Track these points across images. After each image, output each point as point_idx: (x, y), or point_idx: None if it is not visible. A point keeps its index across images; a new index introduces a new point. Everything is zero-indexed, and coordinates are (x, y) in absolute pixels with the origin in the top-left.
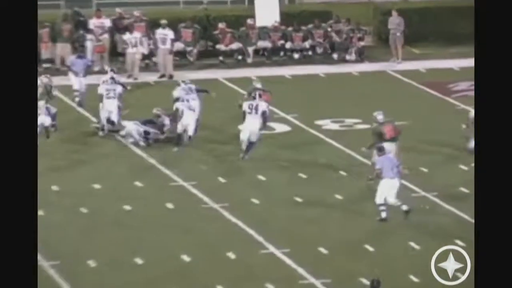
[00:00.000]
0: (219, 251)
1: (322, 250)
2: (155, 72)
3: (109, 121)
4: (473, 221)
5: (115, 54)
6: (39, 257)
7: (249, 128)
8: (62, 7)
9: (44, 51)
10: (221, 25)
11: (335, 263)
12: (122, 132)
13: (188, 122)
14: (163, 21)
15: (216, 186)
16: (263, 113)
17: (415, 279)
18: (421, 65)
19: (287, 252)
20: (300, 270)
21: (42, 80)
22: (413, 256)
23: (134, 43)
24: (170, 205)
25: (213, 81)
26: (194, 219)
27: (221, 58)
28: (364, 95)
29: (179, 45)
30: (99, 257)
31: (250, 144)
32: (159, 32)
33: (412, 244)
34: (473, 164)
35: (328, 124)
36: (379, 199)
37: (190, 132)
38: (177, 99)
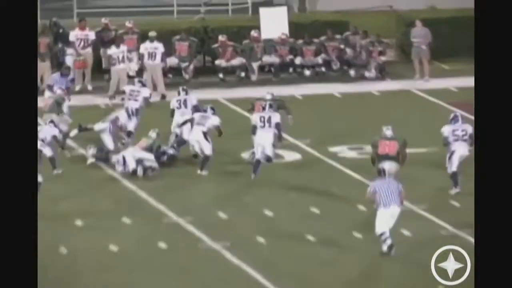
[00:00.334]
0: None
1: None
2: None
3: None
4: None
5: (100, 71)
6: None
7: (262, 143)
8: (39, 18)
9: None
10: (221, 38)
11: None
12: (114, 159)
13: (198, 138)
14: (152, 33)
15: (216, 222)
16: (277, 125)
17: None
18: (451, 83)
19: None
20: None
21: (56, 91)
22: None
23: (122, 59)
24: (163, 245)
25: (212, 102)
26: (191, 261)
27: (221, 75)
28: (386, 118)
29: (172, 61)
30: None
31: (266, 161)
32: (147, 46)
33: None
34: None
35: (344, 151)
36: (378, 229)
37: (207, 151)
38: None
